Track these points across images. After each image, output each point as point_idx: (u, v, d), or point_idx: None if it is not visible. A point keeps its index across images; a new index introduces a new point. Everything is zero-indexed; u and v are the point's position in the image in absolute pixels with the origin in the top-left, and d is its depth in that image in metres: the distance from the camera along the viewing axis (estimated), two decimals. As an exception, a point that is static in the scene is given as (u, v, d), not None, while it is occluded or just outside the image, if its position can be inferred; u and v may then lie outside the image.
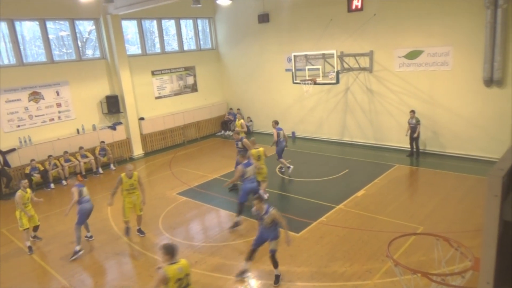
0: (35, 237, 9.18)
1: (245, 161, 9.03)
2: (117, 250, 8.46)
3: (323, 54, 13.18)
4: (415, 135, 12.38)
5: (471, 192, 9.82)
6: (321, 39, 14.74)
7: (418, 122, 12.32)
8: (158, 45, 17.16)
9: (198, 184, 11.98)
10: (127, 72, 15.37)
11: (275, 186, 11.31)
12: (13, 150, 12.67)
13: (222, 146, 16.72)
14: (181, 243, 8.50)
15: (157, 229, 9.26)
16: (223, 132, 18.67)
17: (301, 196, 10.45)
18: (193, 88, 18.42)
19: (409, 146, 12.78)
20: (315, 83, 13.15)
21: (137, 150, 15.93)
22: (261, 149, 10.12)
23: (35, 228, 9.07)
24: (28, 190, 8.90)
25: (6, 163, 12.28)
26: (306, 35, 15.34)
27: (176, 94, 17.73)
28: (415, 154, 12.66)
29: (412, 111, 12.40)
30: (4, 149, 12.39)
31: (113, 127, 15.21)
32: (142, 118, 16.19)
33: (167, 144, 17.00)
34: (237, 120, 14.74)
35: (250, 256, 6.84)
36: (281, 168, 12.51)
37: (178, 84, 17.81)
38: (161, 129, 16.79)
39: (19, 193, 8.56)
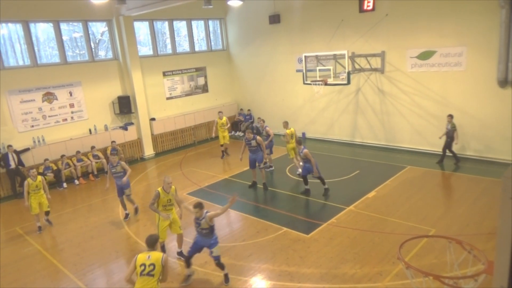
0: (47, 220, 9.96)
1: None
2: (128, 249, 8.52)
3: (334, 55, 13.10)
4: (453, 141, 11.44)
5: (484, 194, 9.65)
6: (332, 40, 14.66)
7: (454, 127, 11.41)
8: (169, 46, 17.28)
9: (208, 185, 12.02)
10: (139, 73, 15.51)
11: (286, 187, 11.29)
12: (27, 149, 12.88)
13: (233, 147, 16.72)
14: (190, 242, 8.52)
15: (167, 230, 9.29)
16: (233, 132, 18.69)
17: (312, 197, 10.40)
18: (204, 88, 18.50)
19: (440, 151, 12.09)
20: (326, 84, 13.09)
21: (148, 150, 16.05)
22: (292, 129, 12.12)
23: (47, 213, 9.87)
24: (39, 177, 9.51)
25: (20, 163, 12.48)
26: (317, 36, 15.28)
27: (187, 95, 17.82)
28: (454, 160, 11.76)
29: (450, 116, 11.52)
30: (18, 149, 12.61)
31: (124, 128, 15.36)
32: (153, 119, 16.31)
33: (178, 145, 17.10)
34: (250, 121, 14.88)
35: (187, 264, 6.92)
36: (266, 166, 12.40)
37: (189, 84, 17.90)
38: (172, 129, 16.89)
39: (26, 181, 9.47)
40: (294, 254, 7.57)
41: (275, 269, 7.14)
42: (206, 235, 6.66)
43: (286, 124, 12.25)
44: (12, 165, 12.24)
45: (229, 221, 9.65)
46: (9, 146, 12.28)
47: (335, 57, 13.15)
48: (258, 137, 11.13)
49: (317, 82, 13.17)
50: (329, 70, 12.94)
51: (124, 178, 9.51)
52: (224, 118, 14.81)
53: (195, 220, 6.66)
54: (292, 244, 7.98)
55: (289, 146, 12.09)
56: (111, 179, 9.88)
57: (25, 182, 9.48)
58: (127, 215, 10.02)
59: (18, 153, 12.52)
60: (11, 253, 8.80)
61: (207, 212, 6.58)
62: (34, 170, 9.70)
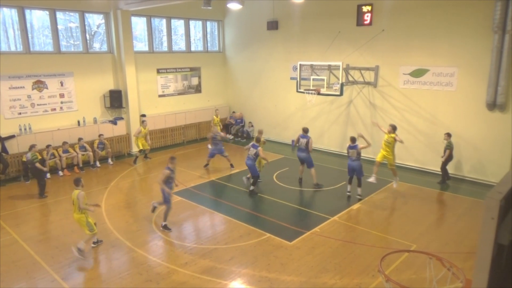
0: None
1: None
2: (109, 245, 8.41)
3: (329, 65, 13.22)
4: (443, 159, 11.65)
5: (467, 214, 9.80)
6: (328, 50, 14.80)
7: (447, 146, 11.48)
8: (165, 44, 17.22)
9: (194, 185, 11.95)
10: (133, 68, 15.40)
11: (272, 193, 11.28)
12: (12, 136, 12.64)
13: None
14: (172, 242, 8.47)
15: (149, 227, 9.22)
16: (228, 135, 18.66)
17: (296, 205, 10.43)
18: (197, 89, 18.45)
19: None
20: (318, 93, 13.17)
21: (136, 146, 15.89)
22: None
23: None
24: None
25: (4, 150, 12.25)
26: (313, 45, 15.40)
27: (179, 94, 17.75)
28: (441, 178, 11.93)
29: (446, 134, 11.57)
30: (3, 135, 12.37)
31: (114, 122, 15.20)
32: (143, 115, 16.18)
33: (167, 143, 17.00)
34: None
35: None
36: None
37: (183, 84, 17.84)
38: (162, 127, 16.78)
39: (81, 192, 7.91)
40: (275, 261, 7.56)
41: (255, 274, 7.12)
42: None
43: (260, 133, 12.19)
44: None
45: (212, 223, 9.60)
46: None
47: (329, 68, 13.26)
48: (259, 149, 11.11)
49: (310, 91, 13.25)
50: (323, 80, 13.04)
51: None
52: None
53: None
54: (274, 251, 7.98)
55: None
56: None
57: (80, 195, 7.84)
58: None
59: (2, 139, 12.27)
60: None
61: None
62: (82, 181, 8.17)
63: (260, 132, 12.26)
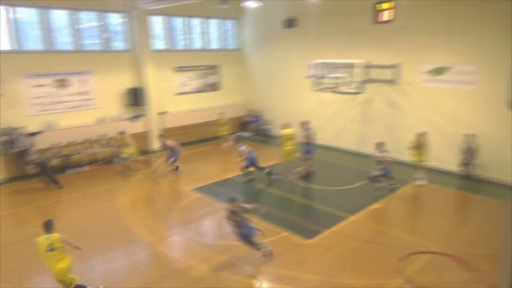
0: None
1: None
2: (127, 240, 8.53)
3: (348, 63, 13.06)
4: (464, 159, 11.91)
5: (491, 216, 9.55)
6: (347, 48, 14.65)
7: (468, 145, 11.72)
8: (183, 42, 17.34)
9: (213, 182, 12.01)
10: (151, 66, 15.59)
11: (290, 190, 11.24)
12: (38, 133, 12.98)
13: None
14: (191, 239, 8.53)
15: (168, 223, 9.32)
16: (241, 133, 18.69)
17: (316, 203, 10.37)
18: (215, 87, 18.54)
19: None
20: (337, 92, 13.06)
21: (156, 143, 16.09)
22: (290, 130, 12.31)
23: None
24: None
25: (29, 145, 12.55)
26: (331, 43, 15.27)
27: (197, 92, 17.87)
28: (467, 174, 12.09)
29: (467, 135, 11.68)
30: (29, 132, 12.68)
31: (133, 119, 15.43)
32: (163, 112, 16.36)
33: (186, 140, 17.02)
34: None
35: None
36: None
37: (201, 82, 17.95)
38: (181, 124, 16.95)
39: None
40: (294, 259, 7.54)
41: (273, 272, 7.12)
42: None
43: (285, 125, 12.44)
44: (21, 147, 12.36)
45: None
46: (20, 128, 12.37)
47: (348, 66, 13.08)
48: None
49: (328, 89, 13.13)
50: (341, 78, 12.89)
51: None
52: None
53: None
54: (292, 249, 7.95)
55: (285, 149, 12.07)
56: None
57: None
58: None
59: (28, 135, 12.61)
60: (13, 234, 8.85)
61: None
62: None
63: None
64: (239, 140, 12.65)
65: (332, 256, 7.66)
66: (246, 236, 7.24)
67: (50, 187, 11.63)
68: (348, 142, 15.56)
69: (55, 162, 12.83)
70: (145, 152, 15.75)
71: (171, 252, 8.02)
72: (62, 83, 13.66)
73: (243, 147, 11.88)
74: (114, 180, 12.53)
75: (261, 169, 12.02)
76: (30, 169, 11.75)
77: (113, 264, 7.65)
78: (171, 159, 12.86)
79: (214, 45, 18.59)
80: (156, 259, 7.72)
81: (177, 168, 12.94)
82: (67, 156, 13.09)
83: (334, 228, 8.82)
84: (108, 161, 14.17)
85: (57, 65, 13.49)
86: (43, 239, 6.12)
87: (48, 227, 6.25)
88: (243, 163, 11.89)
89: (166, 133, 16.39)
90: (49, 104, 13.43)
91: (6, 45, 12.43)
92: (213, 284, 6.81)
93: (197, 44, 17.92)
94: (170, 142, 13.03)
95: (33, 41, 13.17)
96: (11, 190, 11.78)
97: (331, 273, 7.05)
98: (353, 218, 9.38)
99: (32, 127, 12.95)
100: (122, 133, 13.26)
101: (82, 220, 9.54)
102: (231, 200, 7.21)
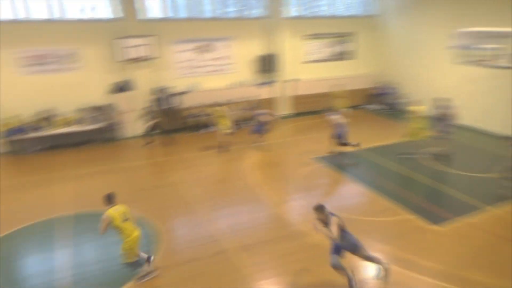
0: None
1: None
2: (250, 199, 9.13)
3: (503, 32, 10.92)
4: None
5: None
6: (500, 14, 12.29)
7: None
8: (318, 8, 16.91)
9: (338, 152, 11.70)
10: (285, 33, 15.87)
11: (420, 172, 10.38)
12: (184, 92, 14.61)
13: (370, 119, 16.09)
14: (309, 206, 8.64)
15: (290, 188, 9.64)
16: (373, 105, 17.80)
17: (447, 188, 9.37)
18: (348, 55, 17.82)
19: None
20: (489, 66, 11.18)
21: (286, 109, 16.56)
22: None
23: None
24: None
25: (176, 104, 14.30)
26: (483, 10, 13.01)
27: (330, 60, 17.47)
28: None
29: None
30: (176, 92, 14.41)
31: (265, 84, 16.03)
32: (294, 79, 16.55)
33: (315, 108, 16.76)
34: None
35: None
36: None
37: (333, 50, 17.45)
38: (311, 92, 16.93)
39: None
40: (415, 243, 7.05)
41: (391, 252, 6.80)
42: None
43: (417, 101, 11.46)
44: (169, 105, 14.18)
45: (352, 192, 9.44)
46: (170, 88, 14.20)
47: (502, 35, 10.95)
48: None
49: (478, 63, 11.33)
50: (493, 50, 10.90)
51: None
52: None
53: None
54: (415, 232, 7.44)
55: (413, 126, 11.02)
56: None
57: None
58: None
59: (176, 95, 14.34)
60: (157, 180, 10.36)
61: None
62: None
63: None
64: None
65: (462, 247, 6.91)
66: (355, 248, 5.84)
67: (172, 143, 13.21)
68: (497, 124, 13.36)
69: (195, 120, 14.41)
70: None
71: (291, 216, 8.31)
72: (203, 49, 14.93)
73: (336, 117, 11.32)
74: (247, 141, 13.21)
75: (346, 144, 11.21)
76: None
77: (238, 217, 8.30)
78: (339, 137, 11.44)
79: (351, 11, 17.65)
80: (275, 220, 8.11)
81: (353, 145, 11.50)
82: (200, 116, 14.47)
83: (469, 218, 7.89)
84: (241, 123, 14.99)
85: (199, 32, 14.81)
86: (113, 212, 5.89)
87: (111, 199, 6.07)
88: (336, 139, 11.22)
89: (296, 101, 16.65)
90: (191, 67, 14.92)
91: (160, 13, 14.17)
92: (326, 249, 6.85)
93: (332, 10, 17.25)
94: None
95: (174, 9, 14.49)
96: (161, 142, 13.57)
97: (458, 265, 6.38)
98: (492, 210, 8.21)
99: (178, 88, 14.60)
100: (220, 104, 13.61)
101: (214, 174, 10.56)
102: (317, 208, 5.88)
